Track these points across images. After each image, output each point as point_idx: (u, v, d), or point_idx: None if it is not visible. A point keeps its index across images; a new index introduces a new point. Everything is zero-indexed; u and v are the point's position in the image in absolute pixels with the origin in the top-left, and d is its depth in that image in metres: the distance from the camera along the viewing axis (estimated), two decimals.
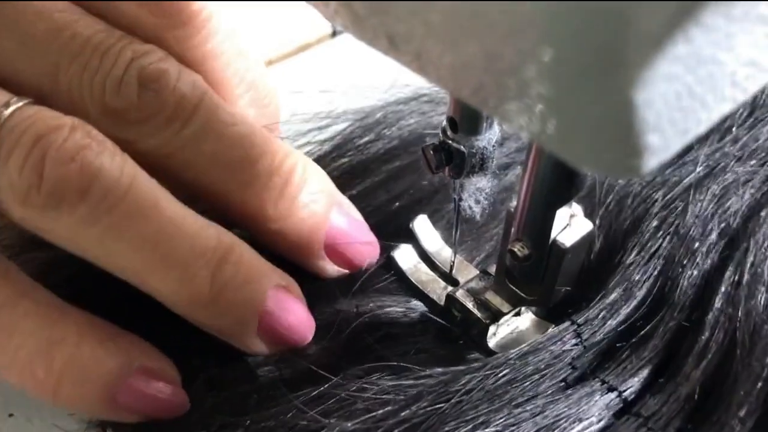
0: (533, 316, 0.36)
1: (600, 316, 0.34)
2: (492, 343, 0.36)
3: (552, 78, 0.18)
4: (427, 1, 0.20)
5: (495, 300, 0.36)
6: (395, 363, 0.34)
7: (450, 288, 0.38)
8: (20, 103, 0.30)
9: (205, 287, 0.31)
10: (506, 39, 0.18)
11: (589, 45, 0.17)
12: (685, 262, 0.36)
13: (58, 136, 0.29)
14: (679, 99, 0.19)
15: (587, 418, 0.31)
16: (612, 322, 0.34)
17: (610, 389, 0.32)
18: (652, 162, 0.20)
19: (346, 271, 0.38)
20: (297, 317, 0.34)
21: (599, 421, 0.32)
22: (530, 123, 0.21)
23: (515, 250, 0.32)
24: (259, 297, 0.33)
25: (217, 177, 0.34)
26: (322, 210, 0.36)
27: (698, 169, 0.39)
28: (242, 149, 0.34)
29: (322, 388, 0.32)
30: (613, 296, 0.35)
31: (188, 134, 0.33)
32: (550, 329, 0.35)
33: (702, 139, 0.42)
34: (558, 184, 0.29)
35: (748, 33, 0.20)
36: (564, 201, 0.30)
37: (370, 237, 0.38)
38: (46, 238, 0.31)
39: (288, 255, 0.36)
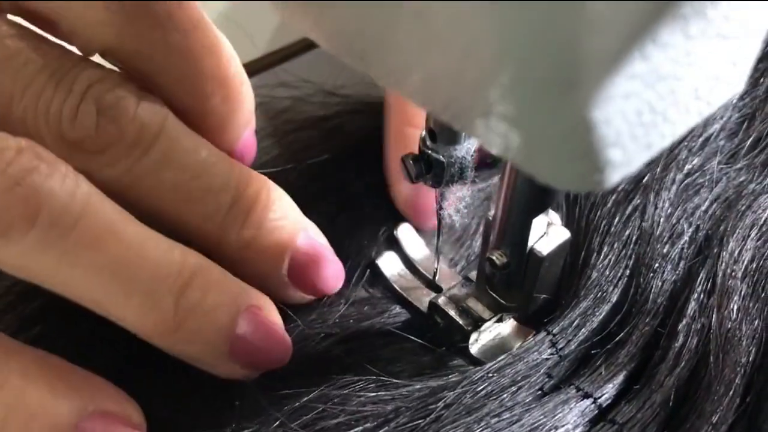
0: (515, 323, 0.37)
1: (574, 324, 0.35)
2: (474, 349, 0.36)
3: (512, 97, 0.19)
4: (391, 22, 0.20)
5: (477, 307, 0.36)
6: (375, 376, 0.34)
7: (433, 295, 0.38)
8: None
9: (169, 314, 0.30)
10: (466, 58, 0.19)
11: (544, 64, 0.17)
12: (655, 266, 0.36)
13: (1, 159, 0.28)
14: (640, 115, 0.20)
15: (563, 426, 0.32)
16: (585, 330, 0.35)
17: (586, 396, 0.33)
18: (614, 177, 0.21)
19: (311, 297, 0.37)
20: (271, 340, 0.33)
21: (575, 428, 0.32)
22: (496, 139, 0.21)
23: (494, 258, 0.33)
24: (228, 322, 0.32)
25: (178, 207, 0.33)
26: (286, 237, 0.35)
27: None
28: (204, 178, 0.33)
29: (303, 401, 0.32)
30: (585, 304, 0.35)
31: (148, 163, 0.32)
32: (529, 338, 0.35)
33: None
34: (534, 193, 0.30)
35: (708, 49, 0.21)
36: (540, 209, 0.31)
37: (335, 263, 0.37)
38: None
39: (252, 282, 0.35)
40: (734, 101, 0.44)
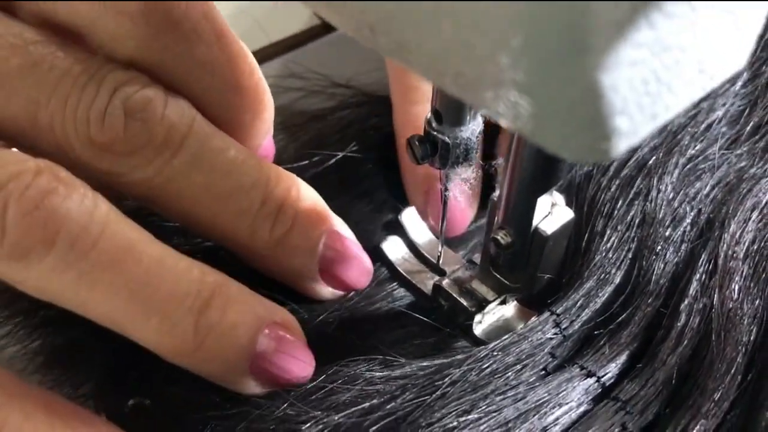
0: (518, 305, 0.37)
1: (578, 304, 0.35)
2: (478, 330, 0.36)
3: (522, 64, 0.19)
4: None
5: (480, 288, 0.37)
6: (381, 356, 0.34)
7: (437, 278, 0.39)
8: None
9: (188, 335, 0.30)
10: (478, 27, 0.19)
11: (555, 30, 0.18)
12: (658, 249, 0.36)
13: (20, 182, 0.28)
14: (646, 84, 0.20)
15: (567, 403, 0.32)
16: (589, 311, 0.35)
17: (589, 375, 0.33)
18: (621, 145, 0.21)
19: (341, 293, 0.37)
20: (293, 357, 0.33)
21: (579, 405, 0.33)
22: (506, 110, 0.22)
23: (498, 238, 0.33)
24: (248, 341, 0.31)
25: (209, 207, 0.33)
26: (316, 235, 0.35)
27: (655, 144, 0.40)
28: (234, 177, 0.33)
29: (312, 382, 0.33)
30: (589, 285, 0.36)
31: (178, 165, 0.32)
32: (533, 318, 0.36)
33: None
34: (538, 172, 0.30)
35: (714, 22, 0.21)
36: (545, 189, 0.31)
37: (364, 257, 0.38)
38: (19, 288, 0.29)
39: (281, 279, 0.36)
40: (737, 89, 0.44)
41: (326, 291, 0.37)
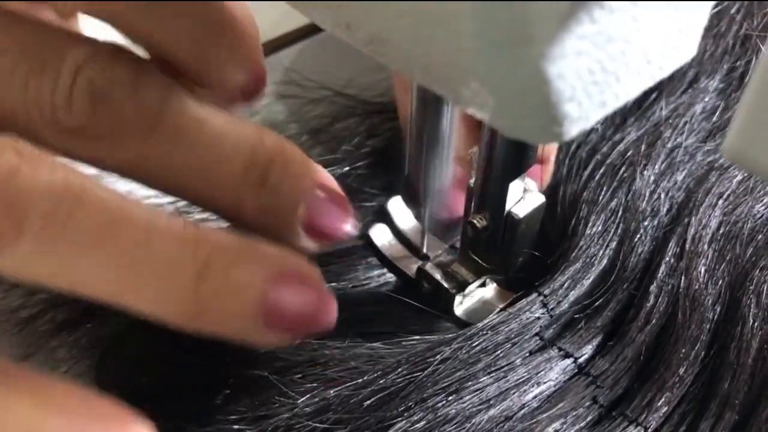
0: (497, 287, 0.39)
1: (565, 286, 0.37)
2: (459, 311, 0.38)
3: (478, 55, 0.21)
4: None
5: (461, 271, 0.39)
6: (374, 330, 0.36)
7: (421, 262, 0.41)
8: None
9: (189, 302, 0.28)
10: (437, 20, 0.21)
11: (502, 22, 0.20)
12: (637, 237, 0.38)
13: None
14: (593, 74, 0.22)
15: (545, 382, 0.34)
16: (576, 293, 0.37)
17: (567, 356, 0.35)
18: (573, 129, 0.23)
19: (327, 244, 0.36)
20: (308, 303, 0.30)
21: (556, 384, 0.34)
22: (471, 98, 0.24)
23: (475, 221, 0.35)
24: (256, 297, 0.29)
25: (189, 181, 0.31)
26: (300, 192, 0.34)
27: (638, 134, 0.42)
28: (215, 149, 0.31)
29: (301, 357, 0.35)
30: (575, 267, 0.37)
31: (154, 143, 0.30)
32: (512, 298, 0.38)
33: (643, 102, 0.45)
34: (510, 159, 0.32)
35: (656, 15, 0.23)
36: (516, 174, 0.33)
37: (348, 210, 0.36)
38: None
39: (265, 236, 0.34)
40: (715, 84, 0.46)
41: (310, 244, 0.34)
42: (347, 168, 0.44)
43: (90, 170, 0.30)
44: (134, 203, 0.28)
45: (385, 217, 0.43)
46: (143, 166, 0.30)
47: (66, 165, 0.27)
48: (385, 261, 0.42)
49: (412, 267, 0.41)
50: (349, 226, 0.35)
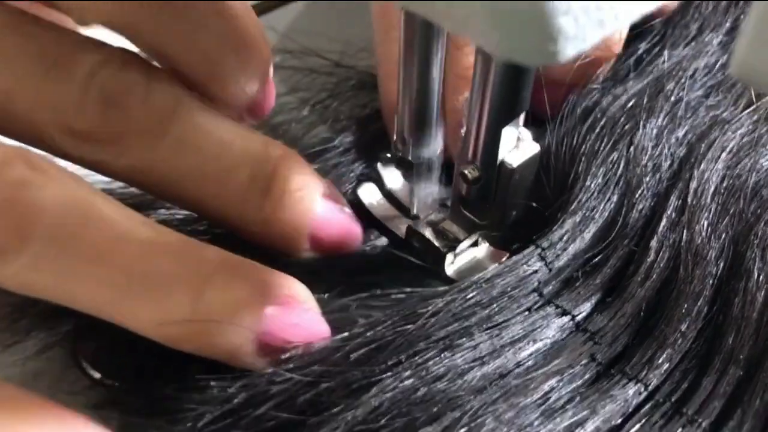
0: (490, 246, 0.38)
1: (564, 239, 0.35)
2: (450, 271, 0.37)
3: None
4: None
5: (452, 228, 0.37)
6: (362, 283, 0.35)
7: (411, 222, 0.39)
8: None
9: (185, 323, 0.28)
10: None
11: None
12: (638, 193, 0.37)
13: None
14: None
15: (541, 340, 0.33)
16: (575, 246, 0.35)
17: (564, 313, 0.34)
18: (568, 49, 0.22)
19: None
20: (303, 330, 0.31)
21: (553, 342, 0.33)
22: (463, 20, 0.22)
23: (466, 172, 0.34)
24: (255, 327, 0.29)
25: (197, 191, 0.32)
26: (306, 207, 0.34)
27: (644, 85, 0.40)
28: (223, 159, 0.32)
29: None
30: (573, 219, 0.36)
31: (163, 150, 0.30)
32: (506, 257, 0.36)
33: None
34: (502, 102, 0.31)
35: None
36: (509, 119, 0.31)
37: (354, 224, 0.37)
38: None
39: (271, 248, 0.34)
40: (720, 38, 0.45)
41: (314, 255, 0.36)
42: (350, 139, 0.43)
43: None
44: (140, 220, 0.29)
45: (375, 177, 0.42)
46: (150, 173, 0.31)
47: (77, 178, 0.28)
48: (373, 220, 0.40)
49: (401, 227, 0.39)
50: (354, 238, 0.37)
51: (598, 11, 0.22)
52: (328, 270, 0.36)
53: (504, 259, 0.36)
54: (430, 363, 0.30)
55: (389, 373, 0.30)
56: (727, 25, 0.45)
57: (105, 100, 0.29)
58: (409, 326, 0.31)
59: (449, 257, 0.37)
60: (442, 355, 0.31)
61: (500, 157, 0.33)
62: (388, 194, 0.41)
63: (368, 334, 0.31)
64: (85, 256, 0.27)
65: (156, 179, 0.31)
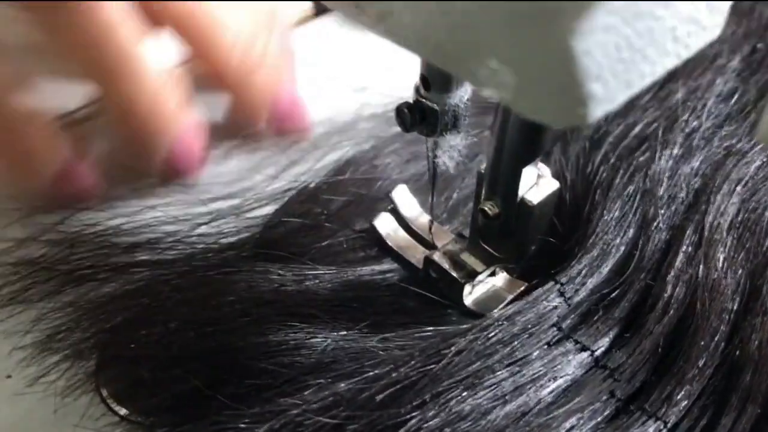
0: (507, 276, 0.38)
1: (582, 273, 0.36)
2: (468, 301, 0.37)
3: (500, 32, 0.20)
4: None
5: (470, 260, 0.37)
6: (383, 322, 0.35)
7: (428, 251, 0.39)
8: None
9: None
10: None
11: None
12: (654, 225, 0.37)
13: None
14: (619, 50, 0.21)
15: (561, 377, 0.33)
16: (593, 280, 0.36)
17: (583, 349, 0.34)
18: (597, 111, 0.22)
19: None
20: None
21: (573, 379, 0.33)
22: (487, 78, 0.22)
23: (486, 209, 0.34)
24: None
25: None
26: (274, 82, 0.46)
27: (651, 118, 0.41)
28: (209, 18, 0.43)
29: (309, 360, 0.33)
30: (592, 254, 0.36)
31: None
32: (523, 287, 0.37)
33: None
34: (524, 143, 0.31)
35: None
36: (530, 159, 0.32)
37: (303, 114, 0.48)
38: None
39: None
40: (734, 65, 0.45)
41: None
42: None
43: None
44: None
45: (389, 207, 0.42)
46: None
47: None
48: (390, 251, 0.40)
49: (418, 256, 0.39)
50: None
51: (627, 73, 0.22)
52: (350, 307, 0.36)
53: (521, 289, 0.37)
54: (453, 402, 0.31)
55: (414, 413, 0.30)
56: (745, 50, 0.45)
57: None
58: (432, 366, 0.32)
59: (467, 288, 0.37)
60: (466, 394, 0.31)
61: (520, 194, 0.33)
62: (404, 224, 0.41)
63: (393, 374, 0.31)
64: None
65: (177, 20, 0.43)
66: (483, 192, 0.34)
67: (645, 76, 0.23)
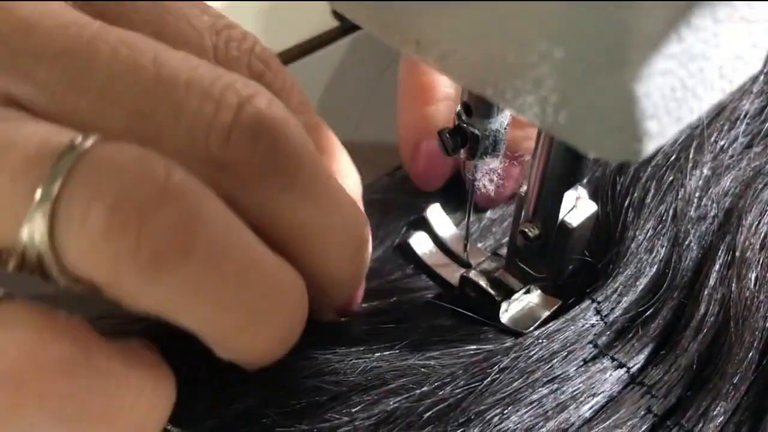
0: (542, 293, 0.39)
1: (618, 292, 0.37)
2: (504, 318, 0.38)
3: (563, 74, 0.21)
4: (451, 10, 0.22)
5: (507, 279, 0.38)
6: (422, 339, 0.36)
7: (463, 270, 0.40)
8: (90, 142, 0.24)
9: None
10: (523, 40, 0.21)
11: (596, 46, 0.20)
12: (685, 244, 0.38)
13: (152, 185, 0.24)
14: (674, 91, 0.22)
15: (600, 393, 0.34)
16: (628, 299, 0.37)
17: (620, 366, 0.35)
18: (650, 146, 0.23)
19: None
20: None
21: (610, 395, 0.34)
22: (543, 114, 0.23)
23: (526, 230, 0.35)
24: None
25: (311, 244, 0.30)
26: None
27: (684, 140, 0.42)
28: (335, 216, 0.30)
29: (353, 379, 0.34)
30: (627, 272, 0.37)
31: (292, 196, 0.28)
32: (558, 305, 0.38)
33: None
34: (566, 169, 0.32)
35: (733, 32, 0.23)
36: (571, 184, 0.33)
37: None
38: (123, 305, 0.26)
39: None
40: (758, 87, 0.46)
41: None
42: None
43: None
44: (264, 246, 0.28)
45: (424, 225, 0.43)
46: (271, 216, 0.28)
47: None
48: (426, 269, 0.41)
49: (454, 275, 0.41)
50: None
51: (679, 110, 0.23)
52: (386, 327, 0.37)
53: (556, 306, 0.38)
54: (497, 419, 0.32)
55: (461, 431, 0.31)
56: (765, 73, 0.46)
57: (254, 133, 0.27)
58: (476, 384, 0.33)
59: (504, 305, 0.38)
60: (509, 410, 0.32)
61: (560, 216, 0.34)
62: (439, 242, 0.42)
63: (439, 392, 0.32)
64: (229, 279, 0.25)
65: (273, 225, 0.29)
66: (523, 214, 0.35)
67: (694, 112, 0.24)
